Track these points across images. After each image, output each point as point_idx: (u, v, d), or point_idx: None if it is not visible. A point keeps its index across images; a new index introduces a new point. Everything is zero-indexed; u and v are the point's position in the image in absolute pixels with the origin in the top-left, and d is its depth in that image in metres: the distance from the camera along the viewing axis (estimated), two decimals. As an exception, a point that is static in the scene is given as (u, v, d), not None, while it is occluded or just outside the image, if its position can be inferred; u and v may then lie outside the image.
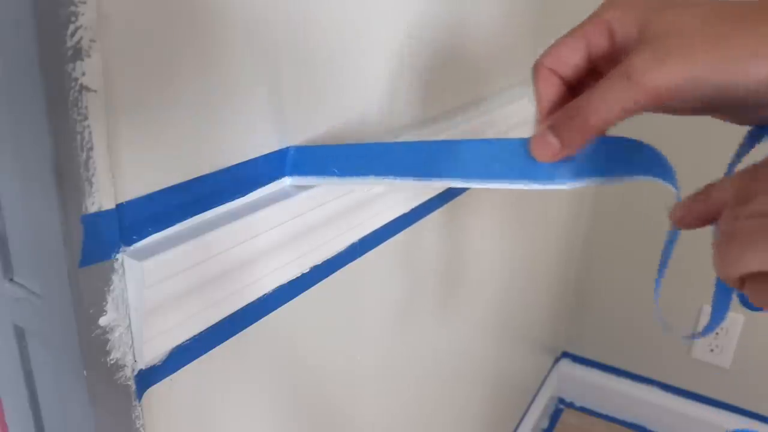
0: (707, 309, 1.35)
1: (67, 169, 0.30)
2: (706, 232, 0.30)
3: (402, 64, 0.56)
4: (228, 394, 0.45)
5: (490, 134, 0.73)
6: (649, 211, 1.33)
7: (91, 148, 0.31)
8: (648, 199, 1.33)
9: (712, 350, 1.38)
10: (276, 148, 0.44)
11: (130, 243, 0.35)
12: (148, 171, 0.35)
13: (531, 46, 0.87)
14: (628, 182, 0.36)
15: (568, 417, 1.54)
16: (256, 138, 0.42)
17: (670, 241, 0.36)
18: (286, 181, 0.45)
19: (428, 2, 0.58)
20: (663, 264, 0.37)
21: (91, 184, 0.31)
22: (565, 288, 1.46)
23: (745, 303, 0.36)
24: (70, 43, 0.28)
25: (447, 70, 0.65)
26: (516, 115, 0.79)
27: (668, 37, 0.29)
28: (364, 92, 0.52)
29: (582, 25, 0.35)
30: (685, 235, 0.33)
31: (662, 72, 0.28)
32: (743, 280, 0.26)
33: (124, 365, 0.36)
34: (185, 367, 0.40)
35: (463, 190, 0.73)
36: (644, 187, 1.32)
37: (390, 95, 0.56)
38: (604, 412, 1.55)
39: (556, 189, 0.35)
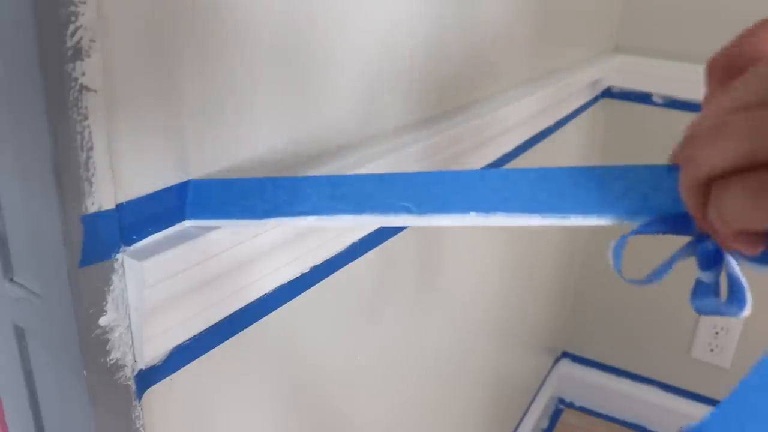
0: (707, 309, 1.35)
1: (67, 169, 0.30)
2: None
3: (403, 63, 0.56)
4: (228, 394, 0.45)
5: (489, 134, 0.73)
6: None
7: (91, 148, 0.31)
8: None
9: (712, 350, 1.38)
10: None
11: (130, 243, 0.35)
12: (148, 171, 0.35)
13: (533, 47, 0.87)
14: None
15: (568, 417, 1.54)
16: (261, 137, 0.42)
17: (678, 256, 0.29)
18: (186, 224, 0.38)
19: (429, 3, 0.58)
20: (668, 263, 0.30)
21: (91, 184, 0.31)
22: (565, 288, 1.46)
23: (701, 296, 0.30)
24: (70, 43, 0.28)
25: (447, 70, 0.65)
26: (517, 114, 0.79)
27: None
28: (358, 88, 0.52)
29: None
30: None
31: None
32: (707, 194, 0.22)
33: (124, 365, 0.36)
34: (185, 367, 0.40)
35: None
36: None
37: (390, 95, 0.56)
38: (604, 412, 1.55)
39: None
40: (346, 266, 0.54)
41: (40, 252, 0.33)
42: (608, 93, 1.28)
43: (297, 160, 0.46)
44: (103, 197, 0.32)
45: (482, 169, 0.32)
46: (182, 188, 0.37)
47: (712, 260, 0.28)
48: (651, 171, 0.28)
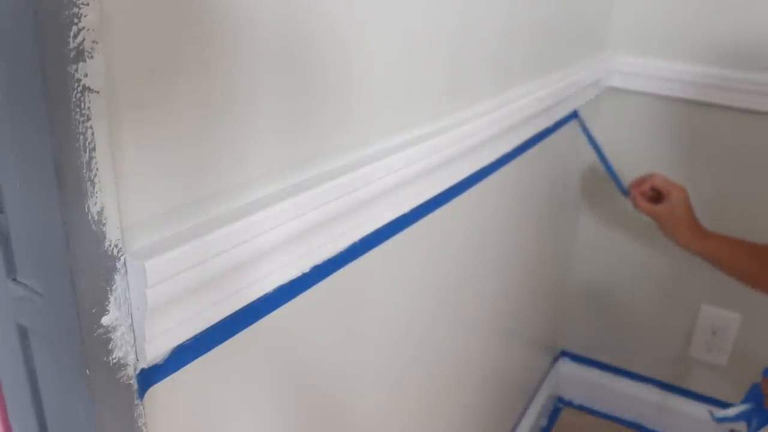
0: (705, 308, 1.35)
1: (69, 169, 0.30)
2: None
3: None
4: (229, 393, 0.45)
5: (486, 135, 0.73)
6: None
7: (93, 149, 0.31)
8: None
9: (709, 349, 1.39)
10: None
11: (131, 243, 0.35)
12: (150, 171, 0.35)
13: (533, 48, 0.87)
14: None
15: (567, 415, 1.55)
16: (265, 142, 0.42)
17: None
18: None
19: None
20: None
21: (93, 184, 0.31)
22: (564, 288, 1.47)
23: None
24: (72, 45, 0.29)
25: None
26: (517, 114, 0.80)
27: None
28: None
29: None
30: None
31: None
32: None
33: (127, 364, 0.36)
34: (187, 366, 0.40)
35: (463, 189, 0.74)
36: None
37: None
38: (602, 410, 1.55)
39: None
40: (347, 266, 0.54)
41: (43, 252, 0.33)
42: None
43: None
44: (105, 197, 0.32)
45: None
46: None
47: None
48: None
